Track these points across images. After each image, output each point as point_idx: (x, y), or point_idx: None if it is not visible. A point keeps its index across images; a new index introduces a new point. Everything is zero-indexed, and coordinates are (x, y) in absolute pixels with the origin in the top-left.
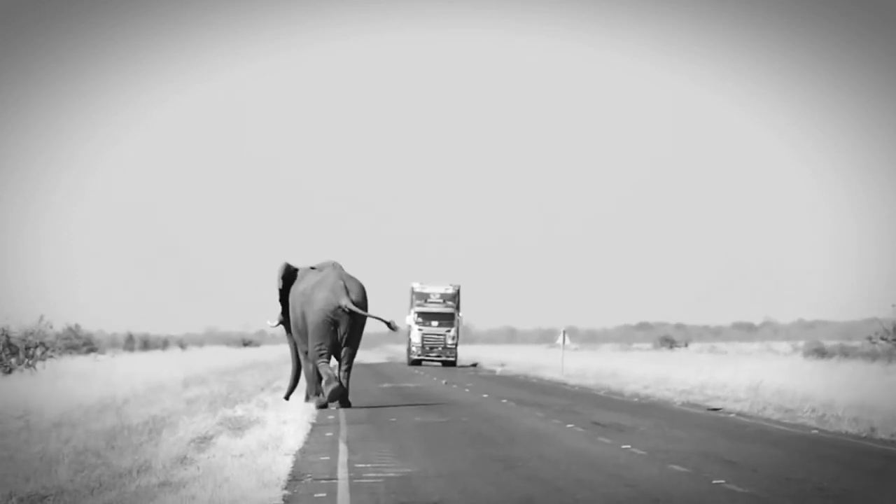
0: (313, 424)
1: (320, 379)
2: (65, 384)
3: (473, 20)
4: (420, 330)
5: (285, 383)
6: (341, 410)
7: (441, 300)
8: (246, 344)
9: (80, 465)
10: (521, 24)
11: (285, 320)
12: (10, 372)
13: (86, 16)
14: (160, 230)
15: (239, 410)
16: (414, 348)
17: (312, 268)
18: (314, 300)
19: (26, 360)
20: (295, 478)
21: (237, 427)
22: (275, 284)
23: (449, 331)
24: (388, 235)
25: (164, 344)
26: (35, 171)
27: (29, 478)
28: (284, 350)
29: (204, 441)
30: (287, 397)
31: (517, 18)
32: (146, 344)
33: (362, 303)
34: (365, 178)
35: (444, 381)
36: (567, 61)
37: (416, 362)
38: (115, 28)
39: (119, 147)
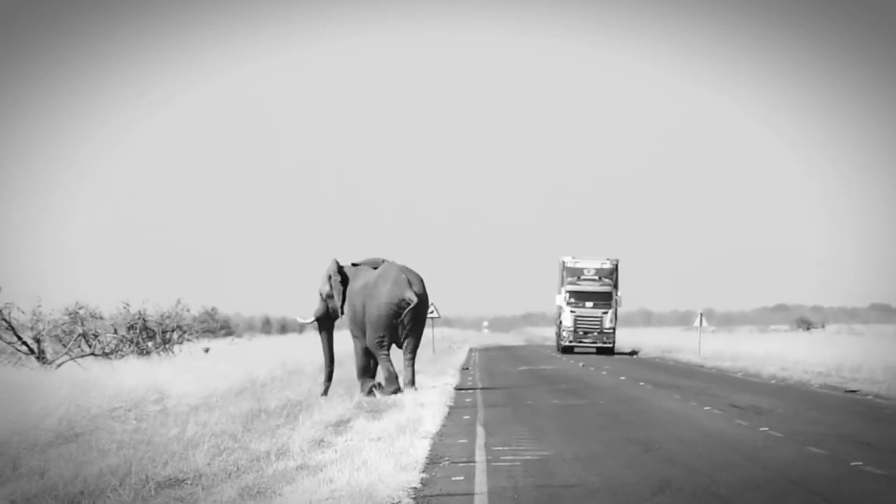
0: (451, 407)
1: (368, 371)
2: (201, 368)
3: (473, 20)
4: (572, 312)
5: (422, 366)
6: (479, 392)
7: (596, 277)
8: None
9: (218, 449)
10: (521, 24)
11: (322, 318)
12: (147, 355)
13: (86, 16)
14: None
15: (376, 394)
16: (565, 333)
17: (355, 264)
18: (378, 293)
19: (163, 344)
20: (432, 461)
21: (374, 410)
22: (325, 282)
23: (606, 312)
24: (389, 233)
25: (301, 327)
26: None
27: (166, 461)
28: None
29: (341, 424)
30: (324, 393)
31: (517, 18)
32: (283, 327)
33: (423, 294)
34: (366, 176)
35: (581, 364)
36: (567, 61)
37: (568, 349)
38: (115, 28)
39: (137, 142)
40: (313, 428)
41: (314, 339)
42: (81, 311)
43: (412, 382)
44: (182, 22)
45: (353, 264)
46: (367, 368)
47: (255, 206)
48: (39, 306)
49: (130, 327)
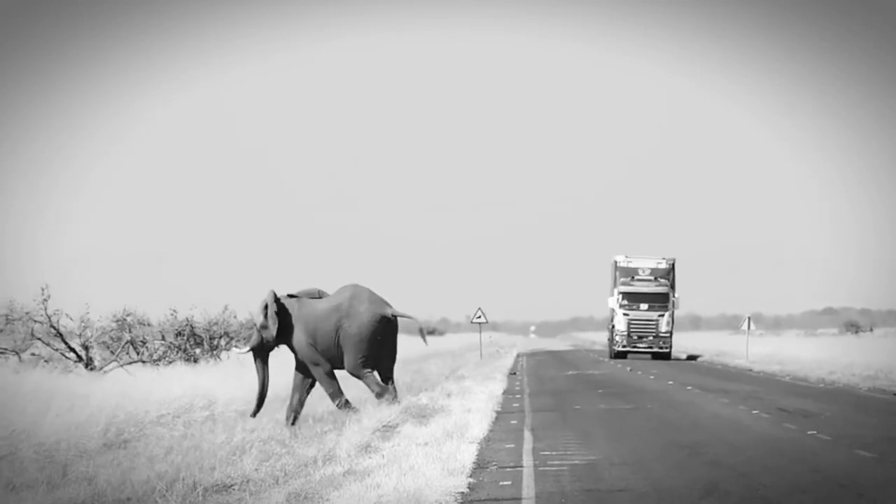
0: (498, 412)
1: (341, 392)
2: (249, 374)
3: (473, 20)
4: (626, 315)
5: (469, 371)
6: (526, 397)
7: (651, 277)
8: (430, 332)
9: (266, 455)
10: (520, 24)
11: (257, 348)
12: (195, 362)
13: (86, 16)
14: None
15: (423, 399)
16: (618, 337)
17: (292, 295)
18: (357, 313)
19: (211, 350)
20: (480, 466)
21: (422, 415)
22: (259, 313)
23: (662, 315)
24: (432, 239)
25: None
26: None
27: (214, 467)
28: (470, 339)
29: (388, 429)
30: (254, 415)
31: (517, 18)
32: None
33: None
34: (370, 176)
35: (628, 369)
36: (569, 62)
37: (621, 355)
38: (115, 28)
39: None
40: (360, 433)
41: None
42: (129, 318)
43: (394, 398)
44: (182, 22)
45: (290, 295)
46: (340, 390)
47: (295, 212)
48: (87, 313)
49: (178, 334)
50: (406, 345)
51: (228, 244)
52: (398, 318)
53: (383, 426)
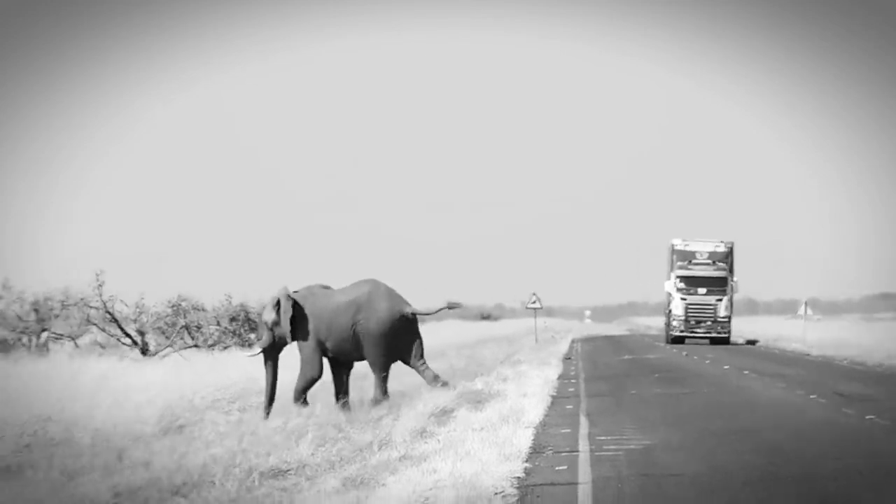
0: (553, 397)
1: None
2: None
3: (473, 20)
4: (683, 299)
5: (525, 356)
6: (581, 382)
7: (710, 261)
8: (485, 318)
9: (321, 440)
10: (520, 24)
11: (268, 348)
12: (250, 347)
13: (86, 16)
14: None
15: (479, 384)
16: (675, 322)
17: (295, 292)
18: (377, 309)
19: None
20: (536, 451)
21: (477, 400)
22: (270, 310)
23: (721, 299)
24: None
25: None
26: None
27: (270, 452)
28: (525, 324)
29: (444, 414)
30: (266, 416)
31: (517, 18)
32: None
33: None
34: (370, 176)
35: (684, 353)
36: (569, 62)
37: (678, 340)
38: (115, 28)
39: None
40: (416, 418)
41: (425, 328)
42: (184, 304)
43: (435, 379)
44: (182, 21)
45: (294, 291)
46: (305, 393)
47: (295, 212)
48: (143, 299)
49: (233, 319)
50: (460, 330)
51: (228, 245)
52: (417, 316)
53: (439, 411)
